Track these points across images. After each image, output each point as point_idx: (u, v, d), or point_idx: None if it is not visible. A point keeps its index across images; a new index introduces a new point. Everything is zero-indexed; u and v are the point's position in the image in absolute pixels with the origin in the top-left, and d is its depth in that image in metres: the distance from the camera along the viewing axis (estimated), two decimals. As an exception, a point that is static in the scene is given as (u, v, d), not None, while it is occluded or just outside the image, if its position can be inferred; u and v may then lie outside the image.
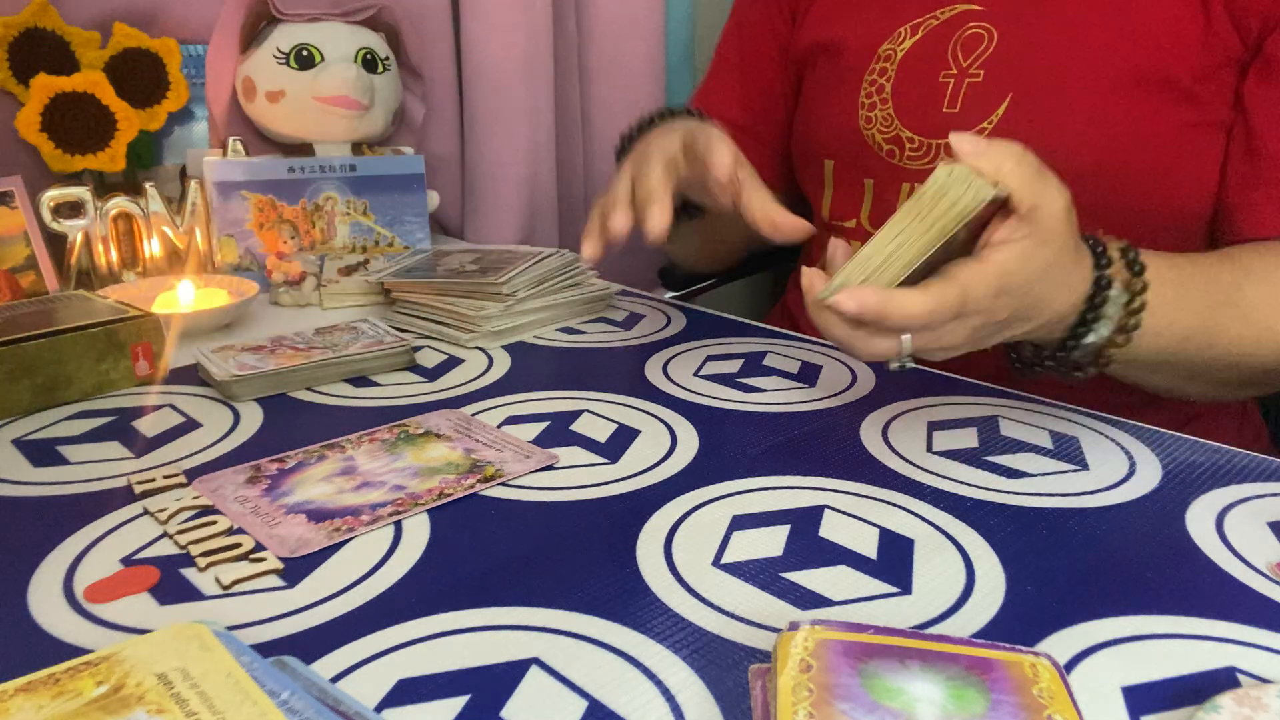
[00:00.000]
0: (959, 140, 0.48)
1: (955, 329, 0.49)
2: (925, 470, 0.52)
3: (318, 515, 0.46)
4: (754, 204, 0.62)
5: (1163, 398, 0.68)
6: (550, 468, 0.52)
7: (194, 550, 0.43)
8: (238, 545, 0.43)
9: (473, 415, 0.59)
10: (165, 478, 0.50)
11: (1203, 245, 0.70)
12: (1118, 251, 0.54)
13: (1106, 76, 0.66)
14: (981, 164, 0.48)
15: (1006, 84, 0.69)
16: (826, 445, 0.55)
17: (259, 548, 0.43)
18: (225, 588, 0.40)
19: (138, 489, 0.49)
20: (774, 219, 0.61)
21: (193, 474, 0.51)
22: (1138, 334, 0.54)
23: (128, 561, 0.42)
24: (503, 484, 0.50)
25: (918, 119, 0.73)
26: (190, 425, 0.58)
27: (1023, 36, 0.69)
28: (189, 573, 0.42)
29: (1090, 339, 0.53)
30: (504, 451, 0.53)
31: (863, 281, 0.48)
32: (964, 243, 0.50)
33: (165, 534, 0.44)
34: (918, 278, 0.48)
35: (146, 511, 0.47)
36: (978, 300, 0.48)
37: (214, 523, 0.45)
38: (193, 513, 0.46)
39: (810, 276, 0.50)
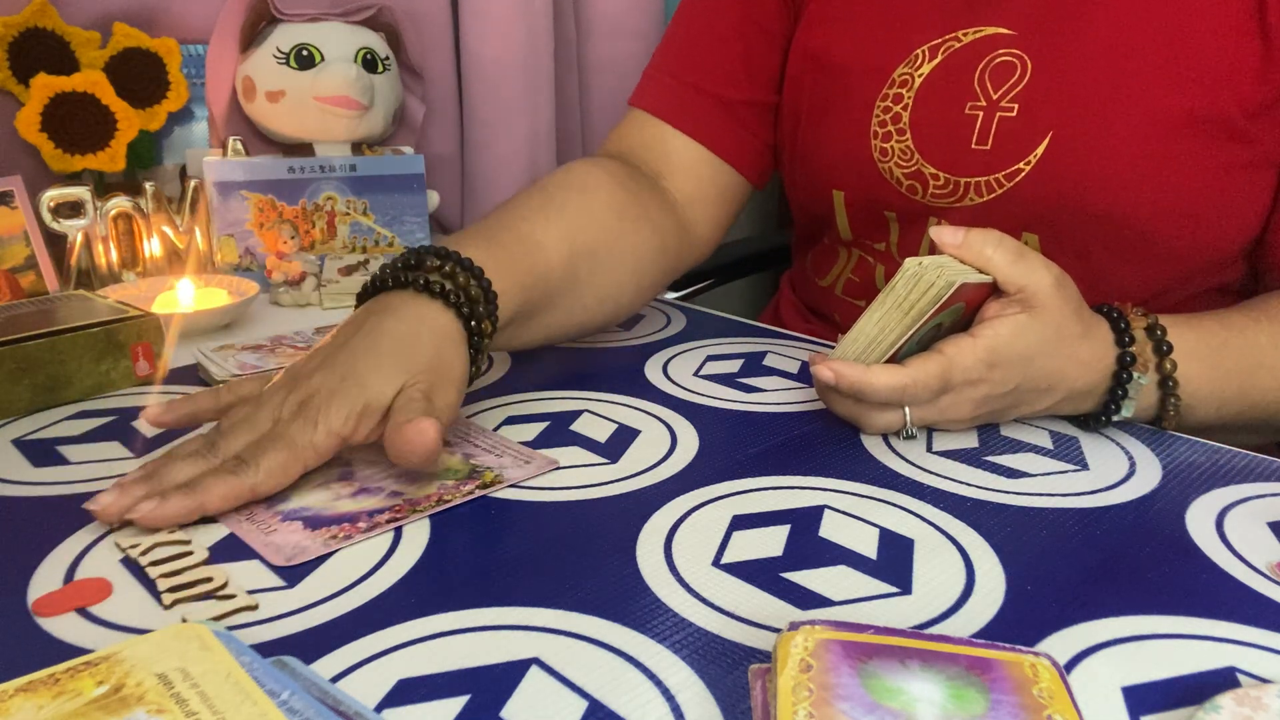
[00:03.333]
0: (939, 233, 0.52)
1: (954, 400, 0.53)
2: (925, 470, 0.52)
3: (314, 522, 0.45)
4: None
5: None
6: (535, 486, 0.51)
7: (161, 585, 0.40)
8: (208, 580, 0.40)
9: (472, 416, 0.59)
10: None
11: (1237, 274, 0.67)
12: (1143, 330, 0.55)
13: (1156, 117, 0.60)
14: (963, 254, 0.51)
15: (1045, 121, 0.63)
16: (826, 445, 0.55)
17: (226, 585, 0.40)
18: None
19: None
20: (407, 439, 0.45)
21: (193, 474, 0.51)
22: (1179, 408, 0.55)
23: (127, 562, 0.42)
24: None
25: (943, 154, 0.67)
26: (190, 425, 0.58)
27: (1062, 69, 0.63)
28: (189, 573, 0.41)
29: (1120, 416, 0.55)
30: (503, 457, 0.53)
31: (855, 359, 0.53)
32: (962, 321, 0.54)
33: (133, 561, 0.42)
34: (911, 354, 0.53)
35: (118, 547, 0.43)
36: (966, 371, 0.51)
37: (190, 553, 0.42)
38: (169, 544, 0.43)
39: (814, 359, 0.54)
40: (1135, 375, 0.54)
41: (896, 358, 0.53)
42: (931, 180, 0.68)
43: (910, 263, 0.51)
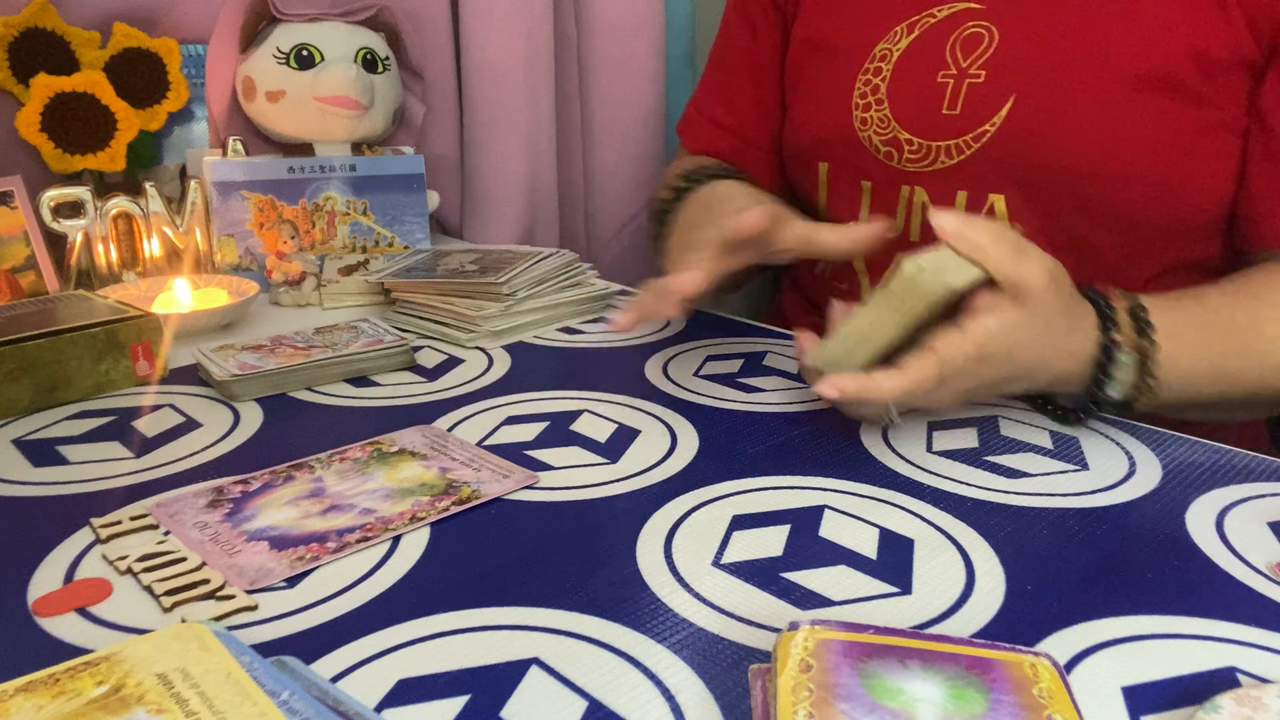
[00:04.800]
0: (941, 219, 0.51)
1: (940, 392, 0.53)
2: (925, 470, 0.52)
3: (280, 543, 0.44)
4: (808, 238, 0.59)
5: None
6: (535, 486, 0.51)
7: (158, 589, 0.40)
8: (206, 581, 0.40)
9: (468, 419, 0.59)
10: (131, 519, 0.46)
11: (1216, 249, 0.68)
12: (1126, 314, 0.55)
13: (1113, 79, 0.63)
14: (961, 245, 0.51)
15: (1009, 85, 0.67)
16: (826, 445, 0.55)
17: (226, 585, 0.40)
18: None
19: (102, 533, 0.45)
20: (828, 240, 0.59)
21: (193, 475, 0.51)
22: (1154, 387, 0.55)
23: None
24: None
25: (916, 120, 0.71)
26: (190, 425, 0.58)
27: (1025, 36, 0.67)
28: (189, 573, 0.41)
29: (1106, 395, 0.55)
30: (481, 471, 0.51)
31: (845, 356, 0.53)
32: (949, 313, 0.53)
33: (130, 571, 0.41)
34: (901, 349, 0.52)
35: (105, 558, 0.42)
36: (956, 366, 0.51)
37: (183, 559, 0.42)
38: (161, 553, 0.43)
39: (802, 340, 0.54)
40: (1121, 358, 0.54)
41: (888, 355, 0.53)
42: (906, 146, 0.71)
43: (908, 264, 0.50)
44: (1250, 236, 0.65)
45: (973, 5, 0.70)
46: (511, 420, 0.59)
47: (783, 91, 0.85)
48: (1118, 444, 0.56)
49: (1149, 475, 0.52)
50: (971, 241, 0.51)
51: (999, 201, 0.68)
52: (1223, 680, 0.35)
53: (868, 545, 0.44)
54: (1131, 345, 0.55)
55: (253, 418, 0.59)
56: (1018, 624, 0.38)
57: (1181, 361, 0.56)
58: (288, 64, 0.91)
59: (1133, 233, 0.66)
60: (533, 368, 0.69)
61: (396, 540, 0.44)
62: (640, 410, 0.60)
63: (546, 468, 0.52)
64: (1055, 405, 0.59)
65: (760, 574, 0.42)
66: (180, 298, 0.78)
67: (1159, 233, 0.66)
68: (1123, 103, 0.63)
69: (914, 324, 0.51)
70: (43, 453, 0.54)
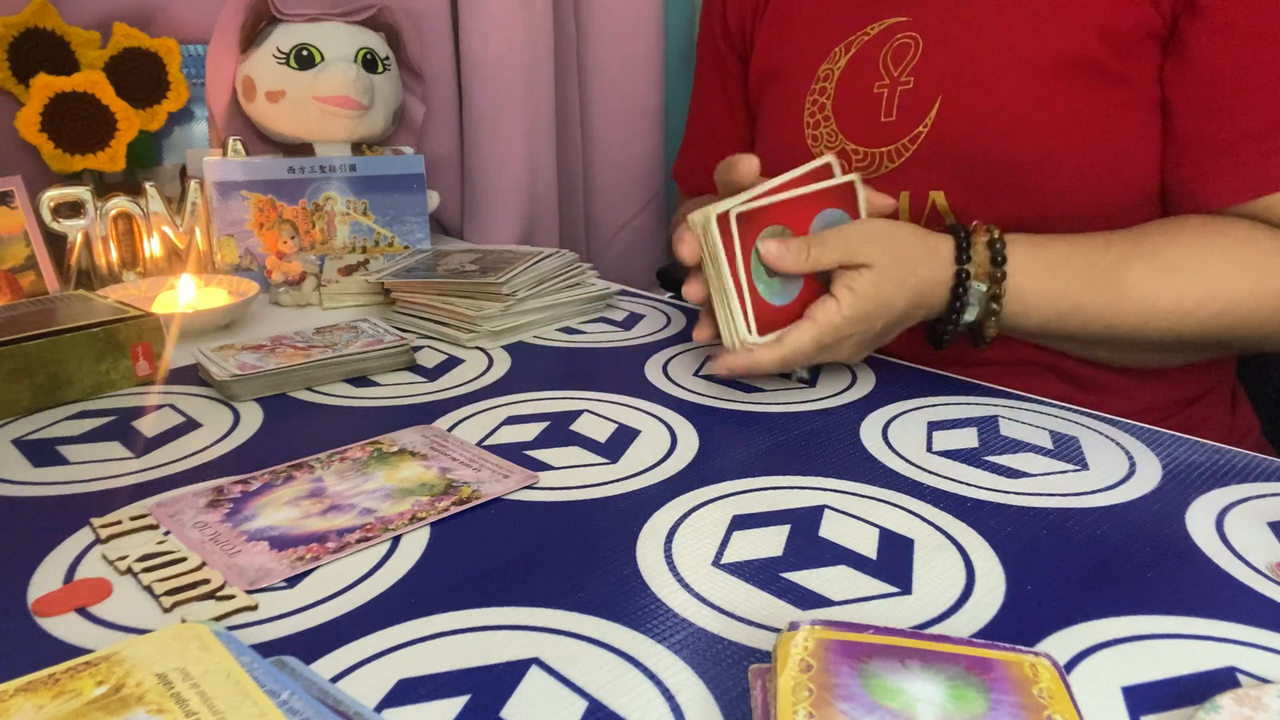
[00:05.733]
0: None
1: (833, 349, 0.61)
2: (925, 470, 0.52)
3: (281, 543, 0.43)
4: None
5: (1162, 379, 0.71)
6: (535, 486, 0.52)
7: (158, 589, 0.40)
8: (206, 581, 0.40)
9: (469, 418, 0.59)
10: (131, 519, 0.46)
11: None
12: (984, 244, 0.63)
13: (1031, 67, 0.66)
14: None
15: (936, 88, 0.70)
16: (826, 445, 0.55)
17: (226, 585, 0.40)
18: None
19: (102, 533, 0.45)
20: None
21: (193, 475, 0.51)
22: (1006, 315, 0.63)
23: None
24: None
25: (859, 131, 0.75)
26: (190, 425, 0.58)
27: (947, 40, 0.70)
28: (189, 573, 0.41)
29: (966, 319, 0.63)
30: (481, 471, 0.51)
31: (722, 312, 0.59)
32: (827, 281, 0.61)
33: (130, 571, 0.41)
34: (778, 286, 0.60)
35: (105, 558, 0.42)
36: (836, 330, 0.59)
37: (183, 559, 0.42)
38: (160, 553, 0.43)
39: (712, 361, 0.61)
40: (973, 286, 0.62)
41: (766, 294, 0.59)
42: (853, 155, 0.75)
43: (690, 217, 0.58)
44: (1171, 208, 0.68)
45: (900, 19, 0.74)
46: (511, 420, 0.59)
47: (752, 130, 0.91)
48: (1118, 444, 0.56)
49: (1149, 475, 0.52)
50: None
51: (939, 197, 0.71)
52: (1223, 680, 0.35)
53: (868, 545, 0.44)
54: (982, 274, 0.62)
55: (253, 418, 0.59)
56: (1018, 624, 0.38)
57: (1031, 292, 0.62)
58: (288, 64, 0.92)
59: (1070, 215, 0.68)
60: (533, 368, 0.69)
61: (396, 540, 0.44)
62: (640, 410, 0.60)
63: (546, 468, 0.52)
64: (930, 330, 0.66)
65: (760, 574, 0.42)
66: (184, 296, 0.78)
67: (1095, 213, 0.67)
68: (1041, 90, 0.66)
69: (738, 262, 0.57)
70: (43, 453, 0.54)
